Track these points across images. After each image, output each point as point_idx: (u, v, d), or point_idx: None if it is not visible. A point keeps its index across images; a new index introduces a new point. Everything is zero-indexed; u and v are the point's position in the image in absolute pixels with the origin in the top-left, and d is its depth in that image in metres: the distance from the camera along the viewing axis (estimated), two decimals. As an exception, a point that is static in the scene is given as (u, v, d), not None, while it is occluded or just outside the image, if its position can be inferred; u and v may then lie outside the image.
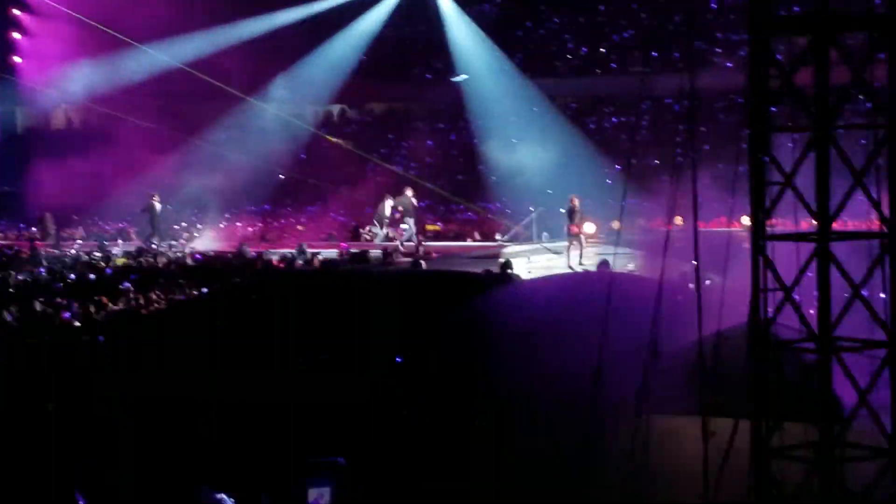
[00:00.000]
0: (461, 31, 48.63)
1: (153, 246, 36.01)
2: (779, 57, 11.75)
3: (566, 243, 32.06)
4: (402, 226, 35.16)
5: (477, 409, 15.31)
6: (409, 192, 36.09)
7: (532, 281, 23.58)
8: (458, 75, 48.13)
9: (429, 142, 49.33)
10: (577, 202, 31.10)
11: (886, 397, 11.41)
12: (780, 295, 11.50)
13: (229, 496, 14.33)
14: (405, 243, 34.33)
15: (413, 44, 52.85)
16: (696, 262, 12.51)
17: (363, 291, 19.38)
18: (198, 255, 33.06)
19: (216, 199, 42.96)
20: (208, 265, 31.14)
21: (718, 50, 44.88)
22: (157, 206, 38.46)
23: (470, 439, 14.95)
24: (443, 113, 51.24)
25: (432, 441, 15.00)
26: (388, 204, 35.75)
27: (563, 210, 32.85)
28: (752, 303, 11.69)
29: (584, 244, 30.46)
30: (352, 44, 49.16)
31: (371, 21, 49.60)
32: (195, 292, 25.58)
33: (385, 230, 35.42)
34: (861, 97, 11.93)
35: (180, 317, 21.24)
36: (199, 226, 41.78)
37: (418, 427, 15.05)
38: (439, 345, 16.25)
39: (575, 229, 30.85)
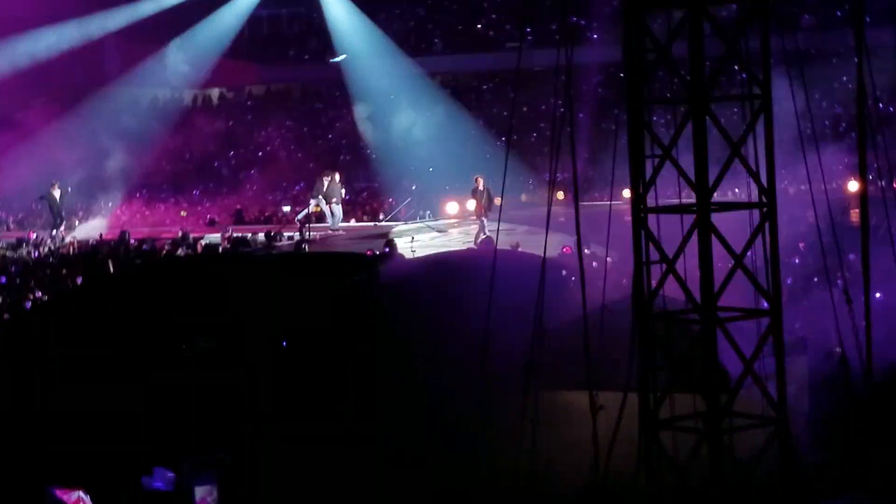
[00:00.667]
0: (338, 10, 48.45)
1: (54, 234, 35.22)
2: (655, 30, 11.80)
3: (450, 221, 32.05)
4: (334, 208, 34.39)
5: (366, 391, 15.22)
6: (337, 177, 35.50)
7: (416, 259, 23.52)
8: (336, 55, 47.92)
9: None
10: (481, 182, 30.89)
11: (772, 365, 11.53)
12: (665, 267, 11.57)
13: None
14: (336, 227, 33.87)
15: (289, 24, 52.61)
16: (577, 237, 12.52)
17: (246, 275, 19.15)
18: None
19: (105, 185, 42.16)
20: (90, 254, 30.63)
21: (595, 24, 45.14)
22: (57, 192, 37.58)
23: (360, 423, 14.86)
24: (322, 93, 51.01)
25: (322, 432, 14.88)
26: (336, 179, 34.63)
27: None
28: (635, 275, 11.74)
29: (485, 225, 30.30)
30: (226, 25, 48.76)
31: (245, 2, 49.35)
32: (76, 282, 25.21)
33: (332, 207, 34.26)
34: (736, 68, 12.03)
35: (62, 307, 20.77)
36: (80, 213, 41.03)
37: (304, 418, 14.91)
38: (326, 327, 16.11)
39: (480, 209, 30.67)
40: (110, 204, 42.03)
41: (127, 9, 47.94)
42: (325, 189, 34.07)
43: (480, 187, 30.68)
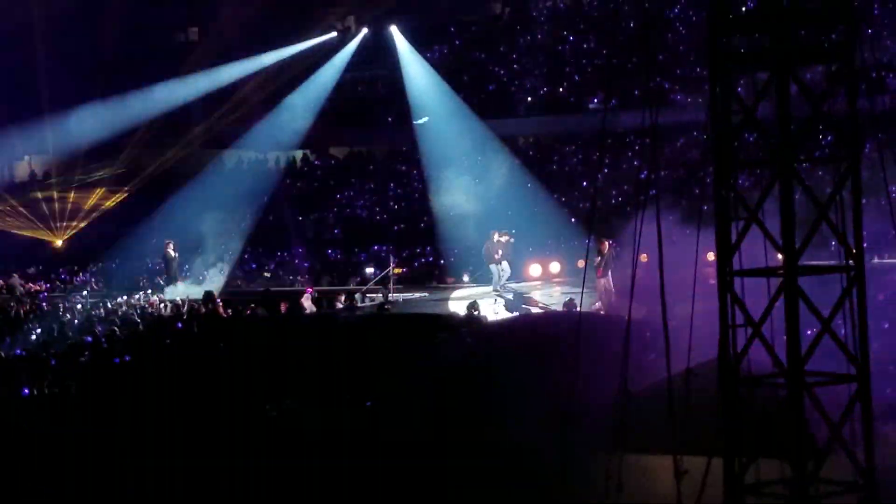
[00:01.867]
0: (418, 74, 48.99)
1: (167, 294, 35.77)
2: (740, 91, 11.76)
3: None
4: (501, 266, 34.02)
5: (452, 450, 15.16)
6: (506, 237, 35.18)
7: (500, 321, 23.49)
8: (419, 118, 48.38)
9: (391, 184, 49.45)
10: (606, 246, 29.74)
11: (859, 431, 11.36)
12: (750, 331, 11.46)
13: None
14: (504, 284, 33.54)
15: (372, 88, 53.19)
16: (663, 300, 12.43)
17: (331, 336, 19.21)
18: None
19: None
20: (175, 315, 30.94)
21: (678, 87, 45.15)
22: (172, 253, 38.24)
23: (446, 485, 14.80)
24: (404, 154, 51.35)
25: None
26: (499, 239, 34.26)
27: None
28: (721, 338, 11.63)
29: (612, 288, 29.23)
30: (316, 91, 49.70)
31: (333, 67, 50.22)
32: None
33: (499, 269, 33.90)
34: (822, 130, 11.96)
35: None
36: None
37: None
38: (409, 391, 16.10)
39: (600, 272, 29.52)
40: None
41: (209, 73, 49.05)
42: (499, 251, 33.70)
43: (605, 251, 29.54)
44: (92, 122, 47.10)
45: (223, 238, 42.79)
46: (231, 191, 46.45)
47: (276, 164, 53.24)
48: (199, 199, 44.28)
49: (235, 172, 51.17)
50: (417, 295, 34.70)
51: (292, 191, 49.38)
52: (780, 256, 11.35)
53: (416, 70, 49.28)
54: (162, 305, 33.04)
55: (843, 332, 11.59)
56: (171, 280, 38.01)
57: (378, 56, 52.20)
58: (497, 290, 32.96)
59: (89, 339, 25.35)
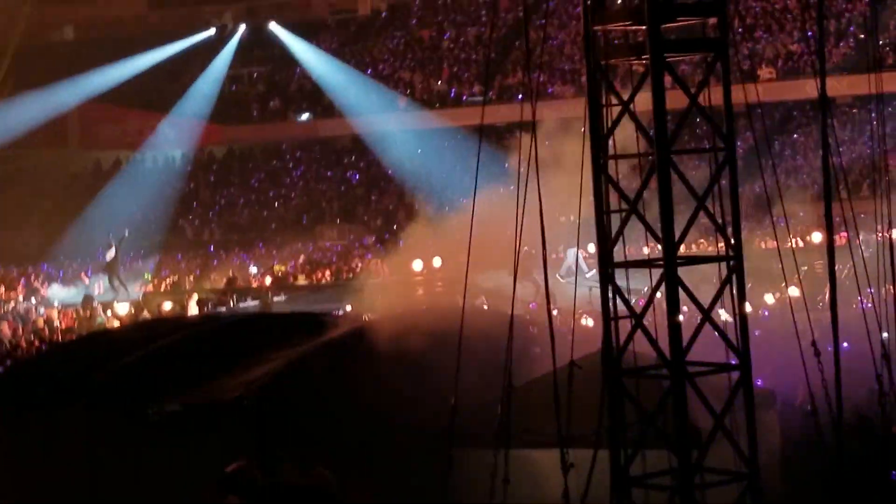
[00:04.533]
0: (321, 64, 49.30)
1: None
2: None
3: None
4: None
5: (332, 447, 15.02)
6: None
7: (384, 317, 23.37)
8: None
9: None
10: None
11: (742, 420, 11.45)
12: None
13: None
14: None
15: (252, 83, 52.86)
16: (547, 295, 12.43)
17: (213, 337, 18.89)
18: None
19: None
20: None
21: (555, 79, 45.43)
22: (111, 251, 37.45)
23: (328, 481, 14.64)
24: (281, 151, 51.20)
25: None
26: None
27: None
28: (604, 330, 11.64)
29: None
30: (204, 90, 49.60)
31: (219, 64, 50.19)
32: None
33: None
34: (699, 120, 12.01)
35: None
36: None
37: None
38: (290, 390, 15.91)
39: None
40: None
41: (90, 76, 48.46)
42: None
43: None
44: None
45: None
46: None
47: (155, 163, 52.67)
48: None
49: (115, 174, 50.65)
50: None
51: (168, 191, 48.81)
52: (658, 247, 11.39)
53: (317, 61, 49.33)
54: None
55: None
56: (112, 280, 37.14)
57: (260, 51, 52.00)
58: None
59: None
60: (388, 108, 48.36)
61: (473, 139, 13.76)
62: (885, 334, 13.30)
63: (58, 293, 37.43)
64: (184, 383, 16.01)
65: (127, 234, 38.34)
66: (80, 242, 43.81)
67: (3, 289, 40.24)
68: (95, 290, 36.57)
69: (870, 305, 13.41)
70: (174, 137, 49.88)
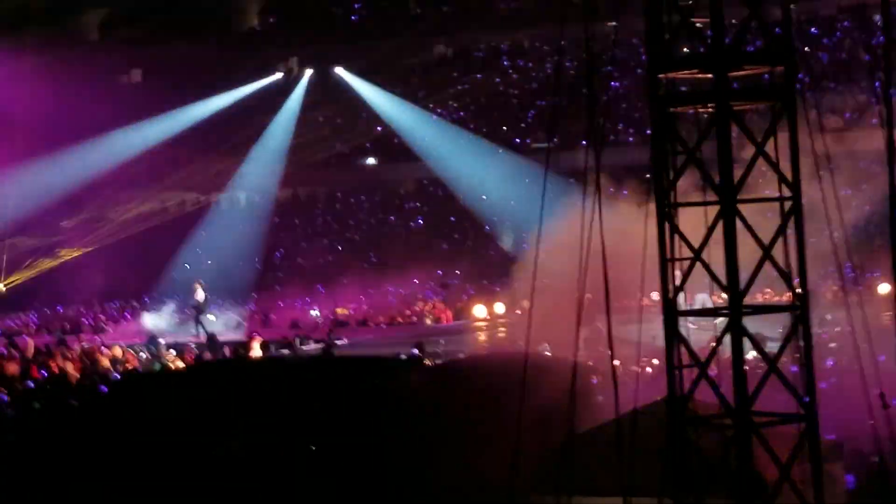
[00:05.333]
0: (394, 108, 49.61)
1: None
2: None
3: None
4: None
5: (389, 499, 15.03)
6: None
7: (444, 364, 23.39)
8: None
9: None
10: None
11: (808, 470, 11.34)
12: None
13: None
14: None
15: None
16: (611, 345, 12.38)
17: (274, 380, 18.96)
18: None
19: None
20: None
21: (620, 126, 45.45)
22: (202, 294, 37.89)
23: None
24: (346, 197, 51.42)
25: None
26: None
27: None
28: (668, 379, 11.58)
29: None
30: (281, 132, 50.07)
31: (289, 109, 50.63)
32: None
33: None
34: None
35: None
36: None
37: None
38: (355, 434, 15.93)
39: None
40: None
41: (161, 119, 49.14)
42: None
43: None
44: (50, 175, 47.00)
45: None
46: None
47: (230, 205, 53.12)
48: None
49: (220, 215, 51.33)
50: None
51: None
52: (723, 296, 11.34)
53: (384, 104, 49.65)
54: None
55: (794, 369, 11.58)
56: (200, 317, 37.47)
57: (326, 96, 52.43)
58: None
59: None
60: (456, 150, 48.29)
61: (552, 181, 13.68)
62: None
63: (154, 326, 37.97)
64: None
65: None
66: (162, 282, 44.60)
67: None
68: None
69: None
70: (243, 181, 50.32)
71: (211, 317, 37.83)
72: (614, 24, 13.50)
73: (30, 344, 32.02)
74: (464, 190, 46.66)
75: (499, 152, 47.09)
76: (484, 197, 44.05)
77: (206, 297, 38.05)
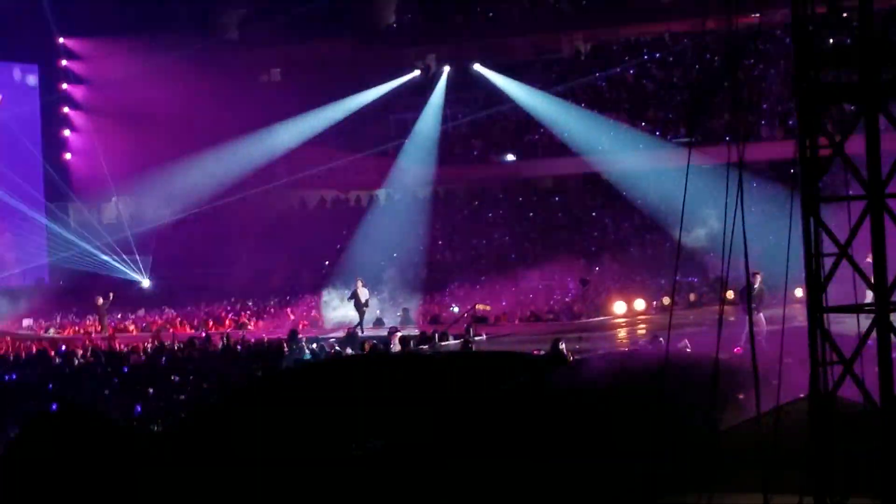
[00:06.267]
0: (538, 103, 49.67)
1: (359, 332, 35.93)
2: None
3: None
4: None
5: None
6: None
7: (586, 360, 23.33)
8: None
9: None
10: (759, 279, 25.73)
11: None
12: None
13: None
14: None
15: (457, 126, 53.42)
16: (752, 340, 12.29)
17: (411, 375, 19.03)
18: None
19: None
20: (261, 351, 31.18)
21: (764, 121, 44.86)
22: (363, 291, 38.58)
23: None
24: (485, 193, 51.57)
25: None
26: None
27: None
28: (812, 376, 11.46)
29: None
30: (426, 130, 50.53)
31: (433, 106, 51.03)
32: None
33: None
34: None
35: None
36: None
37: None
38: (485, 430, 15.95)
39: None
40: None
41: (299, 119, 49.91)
42: None
43: (757, 285, 25.93)
44: (190, 174, 48.09)
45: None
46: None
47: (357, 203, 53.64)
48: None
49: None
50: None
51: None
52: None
53: (533, 100, 49.73)
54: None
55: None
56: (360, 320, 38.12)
57: (465, 93, 52.60)
58: None
59: None
60: (605, 144, 48.00)
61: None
62: None
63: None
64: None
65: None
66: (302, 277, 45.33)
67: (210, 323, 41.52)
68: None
69: None
70: (396, 179, 50.78)
71: (375, 312, 38.36)
72: (757, 15, 13.38)
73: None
74: (621, 183, 46.35)
75: (647, 145, 46.67)
76: (647, 191, 43.51)
77: (367, 293, 38.54)
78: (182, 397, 25.14)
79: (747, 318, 12.34)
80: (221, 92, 47.44)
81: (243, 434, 16.84)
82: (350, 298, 38.56)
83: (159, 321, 42.95)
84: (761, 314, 25.68)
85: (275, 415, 17.26)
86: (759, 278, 25.83)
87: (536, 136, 50.65)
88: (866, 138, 11.10)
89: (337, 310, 39.83)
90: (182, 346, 33.12)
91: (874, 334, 11.08)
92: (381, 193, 52.25)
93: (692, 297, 36.66)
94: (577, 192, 50.27)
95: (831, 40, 12.60)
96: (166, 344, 33.72)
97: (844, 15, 11.57)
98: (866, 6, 11.22)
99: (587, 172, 48.49)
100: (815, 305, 11.40)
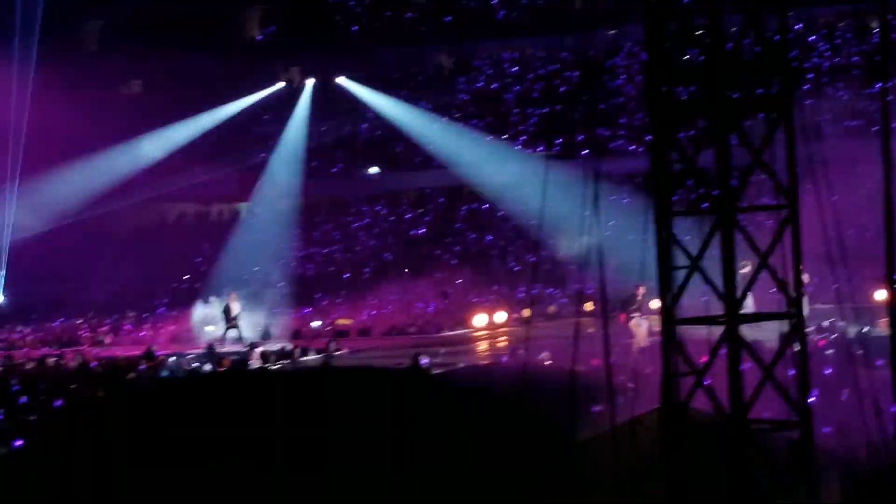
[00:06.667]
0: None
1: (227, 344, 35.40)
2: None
3: None
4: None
5: None
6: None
7: (444, 374, 23.40)
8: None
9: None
10: (641, 291, 26.17)
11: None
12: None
13: None
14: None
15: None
16: (607, 351, 12.45)
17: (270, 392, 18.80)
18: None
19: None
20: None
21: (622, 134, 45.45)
22: (235, 305, 37.90)
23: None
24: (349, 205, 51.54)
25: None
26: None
27: None
28: (664, 387, 11.64)
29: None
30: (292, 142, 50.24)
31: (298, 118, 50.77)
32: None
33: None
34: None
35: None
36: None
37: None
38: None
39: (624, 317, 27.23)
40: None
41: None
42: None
43: (640, 297, 26.40)
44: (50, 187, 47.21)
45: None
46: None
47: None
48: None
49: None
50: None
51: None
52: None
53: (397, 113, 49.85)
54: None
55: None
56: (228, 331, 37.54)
57: (328, 106, 52.48)
58: None
59: None
60: (470, 156, 48.16)
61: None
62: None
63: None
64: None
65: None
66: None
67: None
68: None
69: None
70: (261, 192, 50.40)
71: (239, 329, 37.94)
72: (614, 31, 13.57)
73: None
74: (484, 196, 46.65)
75: (510, 158, 46.99)
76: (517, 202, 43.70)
77: (239, 307, 38.11)
78: (32, 418, 24.57)
79: (602, 331, 12.44)
80: (81, 104, 46.62)
81: (87, 455, 16.55)
82: (223, 312, 38.16)
83: (13, 338, 42.02)
84: (643, 326, 26.02)
85: (121, 434, 16.98)
86: (641, 290, 26.42)
87: (400, 150, 50.78)
88: (716, 154, 11.31)
89: (210, 325, 39.32)
90: (34, 364, 32.40)
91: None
92: (243, 207, 51.89)
93: (552, 309, 36.91)
94: (441, 205, 50.45)
95: (686, 57, 12.81)
96: (17, 363, 32.96)
97: (699, 32, 11.76)
98: (717, 24, 11.44)
99: (451, 185, 48.79)
100: (668, 317, 11.58)
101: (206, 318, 39.62)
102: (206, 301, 40.18)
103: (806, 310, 11.19)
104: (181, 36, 51.55)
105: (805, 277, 11.73)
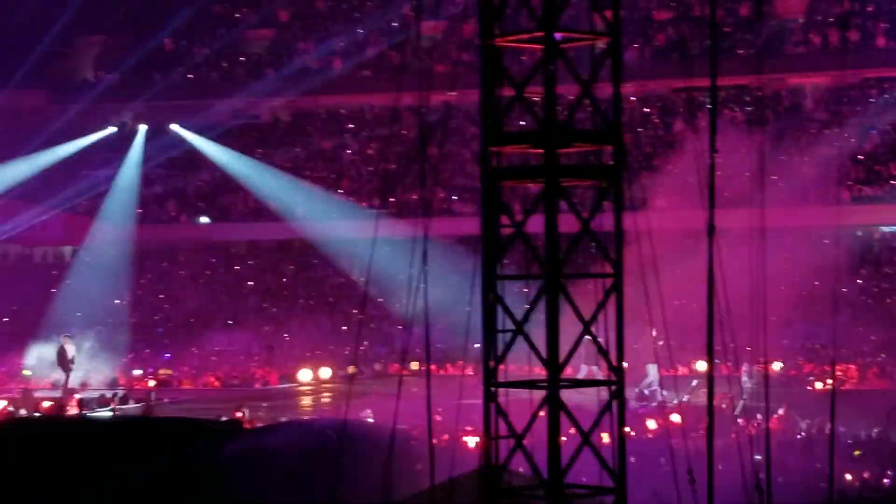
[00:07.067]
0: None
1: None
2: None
3: None
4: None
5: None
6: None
7: (261, 430, 23.10)
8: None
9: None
10: None
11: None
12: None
13: None
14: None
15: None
16: (429, 411, 12.41)
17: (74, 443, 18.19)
18: None
19: None
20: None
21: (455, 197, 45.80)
22: (70, 347, 36.64)
23: None
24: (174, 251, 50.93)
25: None
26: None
27: None
28: (484, 448, 11.63)
29: None
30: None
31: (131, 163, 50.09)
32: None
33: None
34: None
35: None
36: None
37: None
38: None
39: None
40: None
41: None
42: None
43: None
44: None
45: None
46: None
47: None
48: None
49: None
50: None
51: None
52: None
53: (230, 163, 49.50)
54: None
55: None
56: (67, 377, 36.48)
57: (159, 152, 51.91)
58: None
59: None
60: (297, 212, 48.02)
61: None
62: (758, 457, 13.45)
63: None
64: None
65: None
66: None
67: None
68: None
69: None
70: (86, 235, 49.45)
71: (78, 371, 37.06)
72: (454, 93, 13.66)
73: None
74: (315, 251, 46.53)
75: (343, 214, 47.01)
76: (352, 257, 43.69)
77: (74, 350, 37.21)
78: None
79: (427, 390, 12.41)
80: None
81: None
82: (57, 355, 37.25)
83: None
84: None
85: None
86: None
87: (232, 200, 50.43)
88: (545, 218, 11.40)
89: (46, 367, 38.35)
90: None
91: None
92: (67, 250, 50.88)
93: (377, 366, 36.84)
94: (271, 258, 50.15)
95: (521, 122, 12.93)
96: None
97: (533, 99, 11.87)
98: (550, 92, 11.56)
99: (282, 238, 48.55)
100: (489, 379, 11.59)
101: (40, 361, 38.72)
102: (36, 343, 39.29)
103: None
104: (14, 73, 50.55)
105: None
